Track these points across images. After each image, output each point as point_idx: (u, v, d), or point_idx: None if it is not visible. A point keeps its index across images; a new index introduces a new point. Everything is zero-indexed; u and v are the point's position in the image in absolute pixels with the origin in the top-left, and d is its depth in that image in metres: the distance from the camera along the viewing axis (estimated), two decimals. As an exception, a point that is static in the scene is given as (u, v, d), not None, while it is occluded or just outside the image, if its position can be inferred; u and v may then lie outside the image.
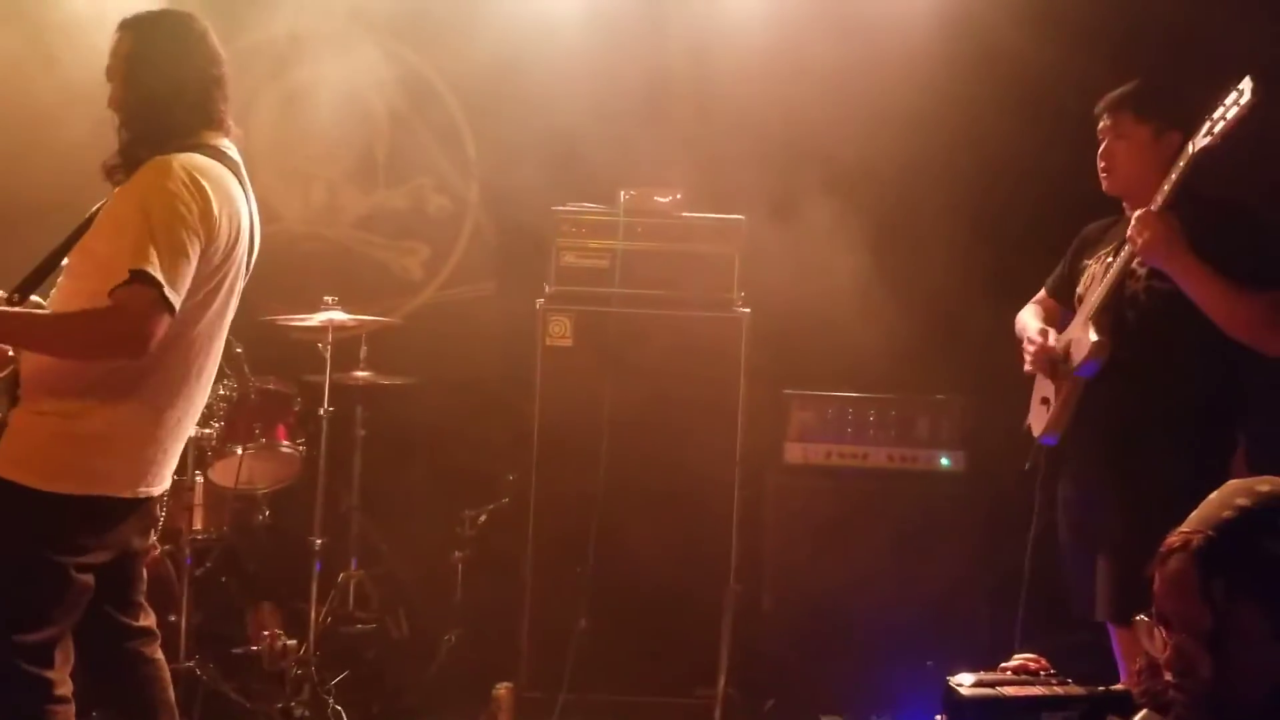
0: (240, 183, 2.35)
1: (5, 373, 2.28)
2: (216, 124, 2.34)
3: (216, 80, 2.34)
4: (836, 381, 3.88)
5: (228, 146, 2.35)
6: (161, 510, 2.45)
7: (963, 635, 3.49)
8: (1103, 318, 2.64)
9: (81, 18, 3.78)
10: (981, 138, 3.91)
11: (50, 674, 2.22)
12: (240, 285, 2.43)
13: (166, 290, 2.13)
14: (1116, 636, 2.62)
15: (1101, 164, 2.74)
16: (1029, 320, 2.97)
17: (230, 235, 2.29)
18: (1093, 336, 2.61)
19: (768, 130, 3.97)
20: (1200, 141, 2.45)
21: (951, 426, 3.76)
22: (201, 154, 2.26)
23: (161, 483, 2.37)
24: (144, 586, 2.48)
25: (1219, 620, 1.25)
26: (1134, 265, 2.62)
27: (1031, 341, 2.82)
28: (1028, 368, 2.82)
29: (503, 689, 3.51)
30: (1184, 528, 1.31)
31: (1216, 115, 2.43)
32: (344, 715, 3.48)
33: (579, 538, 3.57)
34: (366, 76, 4.40)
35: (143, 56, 2.28)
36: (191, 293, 2.24)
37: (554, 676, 3.51)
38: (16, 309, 2.18)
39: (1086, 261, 2.83)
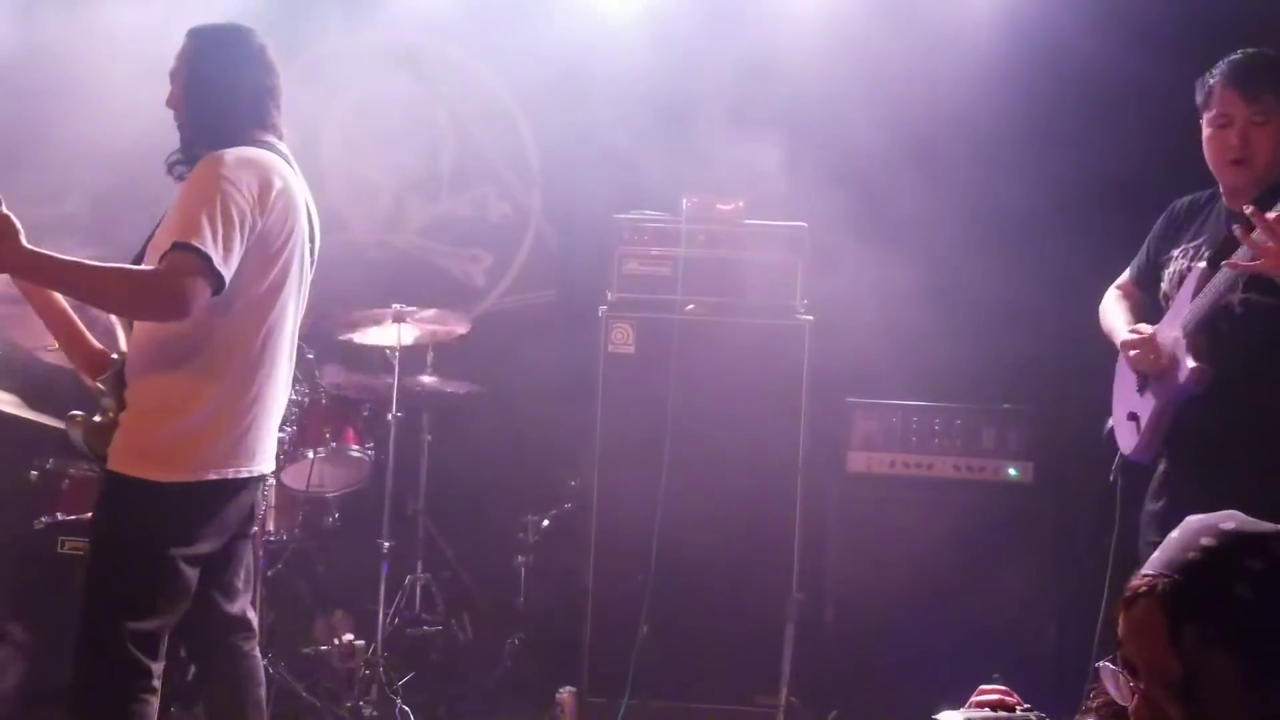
0: (294, 172, 2.48)
1: (109, 373, 2.41)
2: (269, 127, 2.47)
3: (270, 90, 2.49)
4: (900, 390, 3.83)
5: (278, 144, 2.48)
6: (262, 496, 2.58)
7: (1029, 648, 3.46)
8: (1199, 338, 2.51)
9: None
10: (1051, 140, 3.85)
11: (152, 664, 2.34)
12: (309, 272, 2.53)
13: (216, 261, 2.24)
14: None
15: (1234, 154, 2.47)
16: (1117, 314, 2.81)
17: (286, 215, 2.40)
18: (1190, 363, 2.48)
19: (831, 135, 3.93)
20: None
21: (1019, 437, 3.70)
22: (254, 146, 2.41)
23: (262, 461, 2.46)
24: (246, 572, 2.57)
25: (1190, 670, 1.19)
26: (1236, 277, 2.47)
27: (1128, 343, 2.66)
28: (1132, 366, 2.66)
29: (566, 693, 3.56)
30: (1147, 570, 1.26)
31: None
32: (411, 715, 3.56)
33: (641, 544, 3.58)
34: (432, 86, 4.45)
35: (204, 62, 2.44)
36: (259, 276, 2.36)
37: (617, 682, 3.53)
38: (53, 254, 2.24)
39: (1173, 252, 2.68)
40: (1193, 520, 1.28)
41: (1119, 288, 2.90)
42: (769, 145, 3.94)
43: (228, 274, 2.28)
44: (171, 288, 2.21)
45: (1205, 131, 2.56)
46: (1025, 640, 3.48)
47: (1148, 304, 2.77)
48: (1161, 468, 2.65)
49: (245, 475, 2.41)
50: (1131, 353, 2.65)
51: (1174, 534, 1.28)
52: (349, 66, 4.42)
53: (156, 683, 2.35)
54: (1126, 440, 2.73)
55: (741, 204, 3.77)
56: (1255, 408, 2.49)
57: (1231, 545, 1.23)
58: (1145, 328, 2.67)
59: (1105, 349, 2.86)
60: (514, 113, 4.52)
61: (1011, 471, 3.68)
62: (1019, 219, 3.84)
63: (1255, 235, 2.31)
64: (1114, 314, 2.83)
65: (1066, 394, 3.51)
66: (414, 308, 3.83)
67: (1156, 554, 1.27)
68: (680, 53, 4.11)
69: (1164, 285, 2.69)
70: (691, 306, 3.68)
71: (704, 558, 3.57)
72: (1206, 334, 2.51)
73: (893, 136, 3.87)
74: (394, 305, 3.82)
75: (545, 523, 4.05)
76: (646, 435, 3.62)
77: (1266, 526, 1.24)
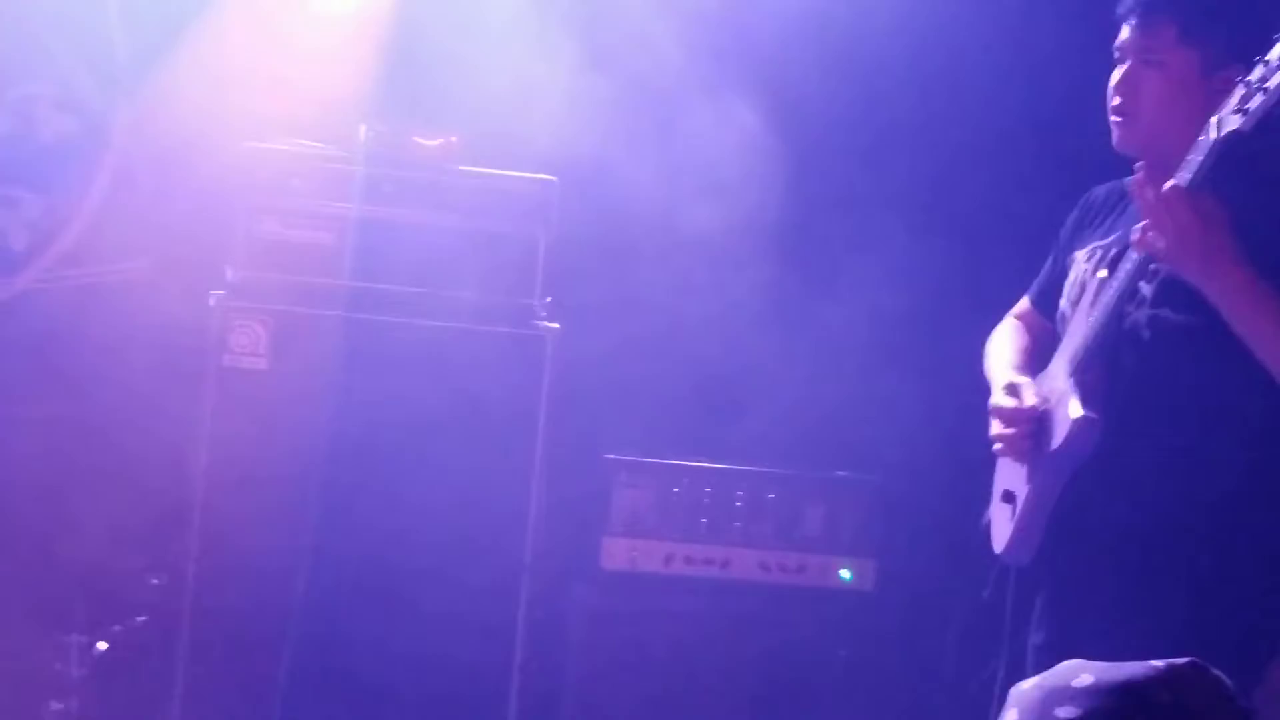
0: None
1: None
2: None
3: None
4: (686, 443, 3.71)
5: None
6: None
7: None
8: (1089, 374, 2.49)
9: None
10: (939, 85, 3.78)
11: None
12: None
13: None
14: None
15: (1115, 100, 2.55)
16: (1003, 355, 2.81)
17: None
18: (1073, 411, 2.46)
19: (600, 51, 3.66)
20: (1229, 121, 2.27)
21: (858, 520, 3.62)
22: None
23: None
24: None
25: None
26: (1140, 283, 2.47)
27: (999, 409, 2.64)
28: (996, 448, 2.67)
29: None
30: None
31: (1255, 81, 2.22)
32: None
33: (265, 674, 3.39)
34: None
35: None
36: None
37: None
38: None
39: (1077, 253, 2.69)
40: (1027, 692, 1.30)
41: (1017, 315, 2.90)
42: (506, 60, 3.67)
43: None
44: None
45: None
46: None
47: (1049, 333, 2.78)
48: (1048, 579, 2.65)
49: None
50: (997, 428, 2.64)
51: (1012, 711, 1.31)
52: None
53: None
54: (999, 532, 2.70)
55: (454, 140, 3.53)
56: (1176, 473, 2.46)
57: (1107, 712, 1.26)
58: (1026, 386, 2.64)
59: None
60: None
61: (844, 575, 3.58)
62: (886, 189, 3.73)
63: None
64: (998, 355, 2.82)
65: (933, 458, 3.42)
66: None
67: None
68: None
69: (1062, 303, 2.68)
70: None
71: (369, 700, 3.39)
72: (1101, 369, 2.49)
73: (701, 54, 3.73)
74: None
75: (102, 646, 3.62)
76: (281, 501, 3.38)
77: (1127, 670, 1.29)
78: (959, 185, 3.77)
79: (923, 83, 3.82)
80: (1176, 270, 2.38)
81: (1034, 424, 2.59)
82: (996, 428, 2.62)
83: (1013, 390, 2.59)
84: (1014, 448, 2.59)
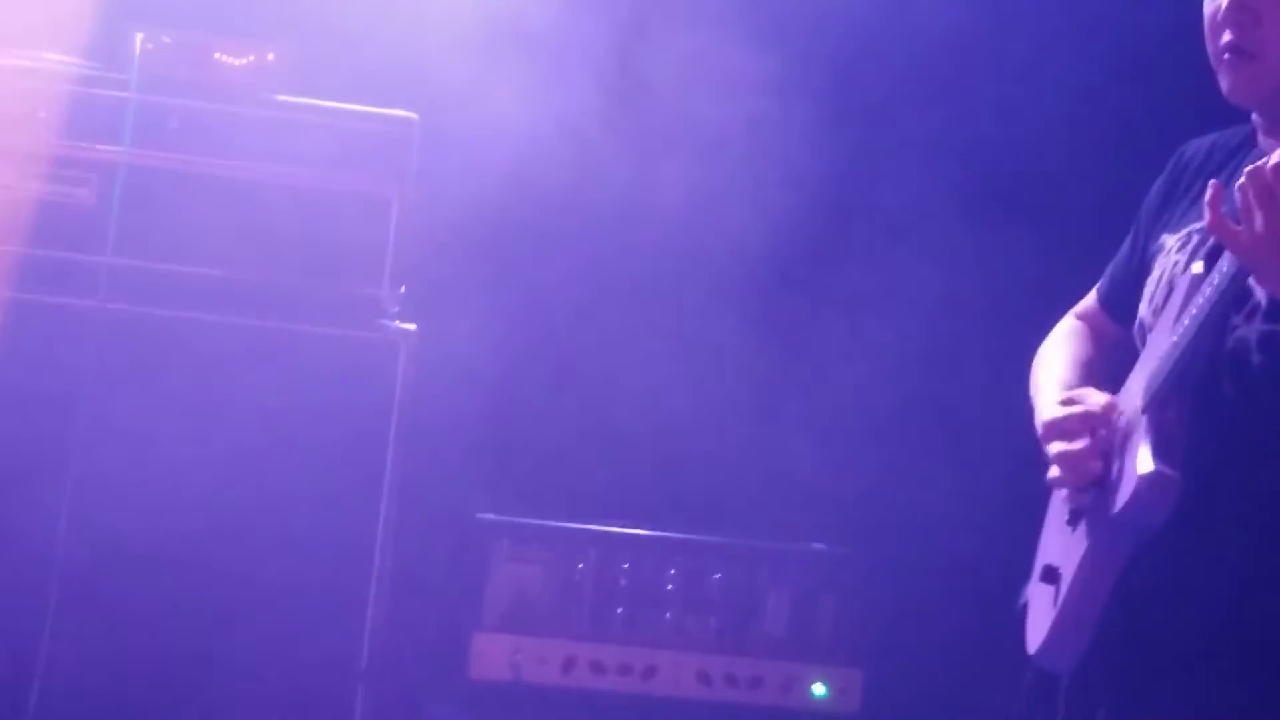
0: None
1: None
2: None
3: None
4: (594, 499, 3.45)
5: None
6: None
7: None
8: (1169, 412, 2.27)
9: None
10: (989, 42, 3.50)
11: None
12: None
13: None
14: None
15: (1226, 37, 2.30)
16: (1050, 373, 2.59)
17: None
18: (1141, 465, 2.25)
19: None
20: None
21: (837, 612, 3.36)
22: None
23: None
24: None
25: None
26: (1249, 281, 2.21)
27: (1053, 423, 2.37)
28: (1054, 476, 2.40)
29: None
30: None
31: None
32: None
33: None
34: None
35: None
36: None
37: None
38: None
39: (1164, 239, 2.45)
40: None
41: (1079, 316, 2.71)
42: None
43: None
44: None
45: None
46: None
47: (1120, 339, 2.57)
48: (1106, 690, 2.35)
49: None
50: (1056, 447, 2.36)
51: None
52: None
53: None
54: (1036, 623, 2.44)
55: (272, 58, 3.32)
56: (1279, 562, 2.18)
57: None
58: (1089, 396, 2.38)
59: (1026, 446, 2.48)
60: None
61: (818, 690, 3.30)
62: (875, 185, 3.55)
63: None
64: (1048, 371, 2.62)
65: (943, 527, 3.24)
66: None
67: None
68: None
69: (1142, 308, 2.44)
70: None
71: None
72: (1186, 405, 2.29)
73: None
74: None
75: None
76: (16, 564, 3.18)
77: None
78: (977, 170, 3.57)
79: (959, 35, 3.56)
80: (1255, 276, 2.17)
81: (1107, 432, 2.35)
82: (1056, 447, 2.35)
83: (1070, 401, 2.38)
84: (1083, 469, 2.32)
